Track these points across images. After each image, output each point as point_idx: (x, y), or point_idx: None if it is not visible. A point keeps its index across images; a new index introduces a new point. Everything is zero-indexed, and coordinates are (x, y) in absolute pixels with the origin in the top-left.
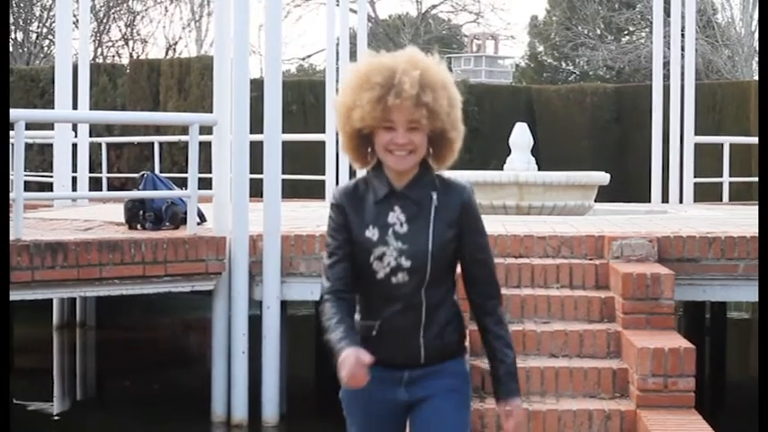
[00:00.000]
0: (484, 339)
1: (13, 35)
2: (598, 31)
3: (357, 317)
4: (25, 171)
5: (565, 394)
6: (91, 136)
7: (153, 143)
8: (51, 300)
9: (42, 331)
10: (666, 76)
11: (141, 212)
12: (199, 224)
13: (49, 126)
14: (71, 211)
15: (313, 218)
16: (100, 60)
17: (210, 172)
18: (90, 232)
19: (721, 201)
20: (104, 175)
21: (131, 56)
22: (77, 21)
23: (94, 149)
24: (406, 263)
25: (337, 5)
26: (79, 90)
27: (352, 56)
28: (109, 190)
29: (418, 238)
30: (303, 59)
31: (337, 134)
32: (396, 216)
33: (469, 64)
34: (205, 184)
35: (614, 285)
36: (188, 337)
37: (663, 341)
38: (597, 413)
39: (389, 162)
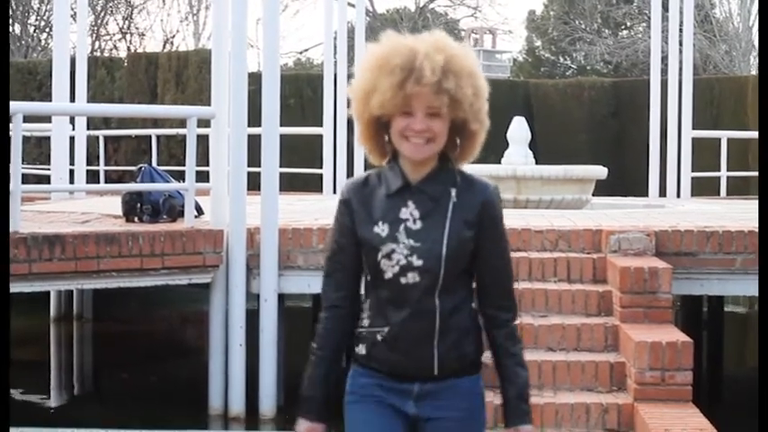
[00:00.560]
0: (494, 356)
1: (11, 28)
2: (596, 26)
3: (365, 322)
4: (23, 164)
5: (562, 388)
6: (88, 129)
7: (150, 136)
8: (48, 292)
9: (39, 324)
10: (664, 71)
11: (139, 205)
12: (196, 217)
13: (46, 119)
14: (68, 204)
15: (311, 211)
16: (98, 54)
17: (208, 165)
18: (87, 225)
19: (719, 195)
20: (102, 167)
21: (129, 49)
22: (75, 14)
23: (92, 142)
24: (417, 262)
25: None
26: (77, 83)
27: (350, 50)
28: (106, 183)
29: (432, 235)
30: (300, 53)
31: (335, 128)
32: (409, 212)
33: None
34: (202, 177)
35: (612, 279)
36: (185, 330)
37: (660, 335)
38: (595, 406)
39: (405, 150)
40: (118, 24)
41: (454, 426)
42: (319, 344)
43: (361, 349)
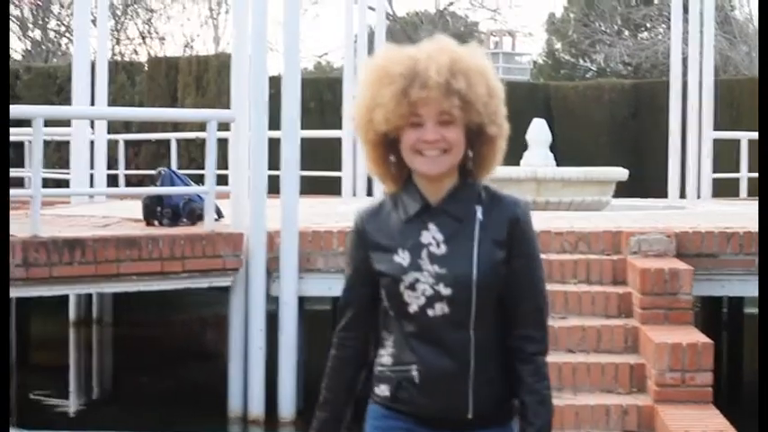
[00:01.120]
0: (516, 391)
1: (31, 33)
2: (615, 28)
3: (388, 360)
4: (43, 168)
5: (582, 389)
6: (108, 133)
7: (170, 140)
8: (68, 296)
9: (59, 327)
10: (684, 73)
11: (159, 209)
12: (216, 220)
13: (66, 123)
14: (88, 208)
15: (331, 214)
16: (118, 58)
17: (227, 168)
18: (108, 228)
19: (739, 196)
20: (122, 171)
21: (149, 53)
22: (95, 18)
23: (112, 146)
24: (445, 291)
25: (355, 3)
26: (97, 87)
27: (370, 53)
28: (126, 187)
29: (460, 260)
30: (320, 57)
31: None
32: (431, 235)
33: None
34: (222, 180)
35: (632, 281)
36: (204, 334)
37: (680, 336)
38: (614, 408)
39: (419, 166)
40: (138, 29)
41: None
42: (327, 385)
43: (383, 390)
